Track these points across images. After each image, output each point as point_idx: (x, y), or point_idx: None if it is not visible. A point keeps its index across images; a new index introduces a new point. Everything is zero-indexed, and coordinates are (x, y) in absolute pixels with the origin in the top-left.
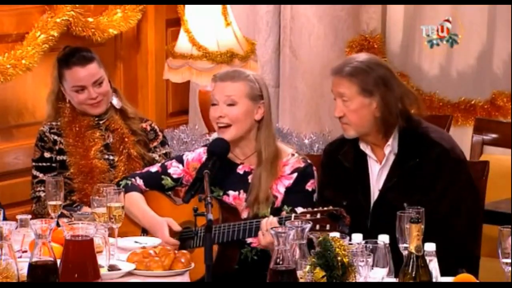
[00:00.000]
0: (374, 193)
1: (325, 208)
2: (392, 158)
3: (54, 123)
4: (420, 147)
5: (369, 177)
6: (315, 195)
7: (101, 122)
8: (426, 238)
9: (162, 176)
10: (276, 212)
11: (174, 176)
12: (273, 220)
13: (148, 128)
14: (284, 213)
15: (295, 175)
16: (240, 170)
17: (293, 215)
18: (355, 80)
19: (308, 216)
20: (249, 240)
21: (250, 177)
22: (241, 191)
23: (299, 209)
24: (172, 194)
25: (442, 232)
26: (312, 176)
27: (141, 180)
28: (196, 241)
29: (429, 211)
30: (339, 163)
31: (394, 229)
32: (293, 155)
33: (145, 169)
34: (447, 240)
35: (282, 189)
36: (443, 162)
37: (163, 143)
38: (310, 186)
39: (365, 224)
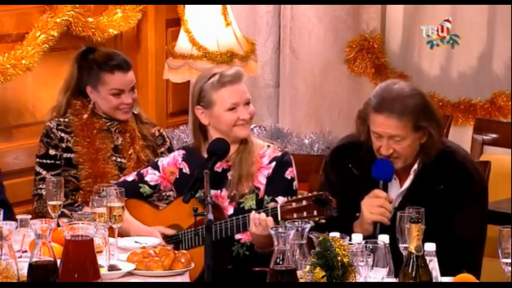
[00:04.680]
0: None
1: (309, 194)
2: (412, 177)
3: (61, 120)
4: (443, 171)
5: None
6: (294, 183)
7: (115, 122)
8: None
9: (140, 185)
10: (260, 203)
11: (152, 183)
12: (262, 215)
13: (157, 133)
14: (271, 205)
15: (273, 164)
16: (218, 168)
17: (279, 205)
18: (410, 118)
19: (293, 204)
20: (238, 236)
21: (229, 174)
22: (223, 189)
23: (280, 199)
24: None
25: (448, 238)
26: (290, 164)
27: None
28: (184, 244)
29: (447, 233)
30: (350, 171)
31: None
32: (268, 146)
33: (122, 179)
34: (453, 247)
35: (263, 180)
36: (469, 188)
37: (170, 150)
38: (289, 174)
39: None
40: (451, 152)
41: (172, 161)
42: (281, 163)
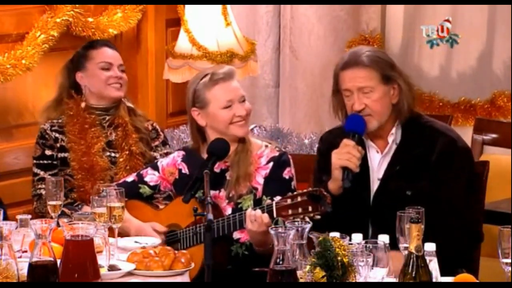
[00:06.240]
0: (374, 183)
1: (304, 190)
2: (394, 147)
3: (55, 121)
4: (426, 136)
5: (369, 167)
6: (293, 183)
7: (107, 117)
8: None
9: (139, 185)
10: (258, 203)
11: (151, 184)
12: (257, 212)
13: (150, 127)
14: (267, 202)
15: (271, 164)
16: (217, 168)
17: (274, 202)
18: (376, 68)
19: (289, 200)
20: (237, 236)
21: (227, 174)
22: (221, 189)
23: (278, 198)
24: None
25: (441, 230)
26: (288, 164)
27: None
28: (182, 242)
29: (435, 198)
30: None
31: (396, 218)
32: (266, 146)
33: (122, 180)
34: (446, 236)
35: (261, 180)
36: (452, 151)
37: (164, 143)
38: (287, 174)
39: (366, 214)
40: (431, 121)
41: (171, 162)
42: (279, 162)
